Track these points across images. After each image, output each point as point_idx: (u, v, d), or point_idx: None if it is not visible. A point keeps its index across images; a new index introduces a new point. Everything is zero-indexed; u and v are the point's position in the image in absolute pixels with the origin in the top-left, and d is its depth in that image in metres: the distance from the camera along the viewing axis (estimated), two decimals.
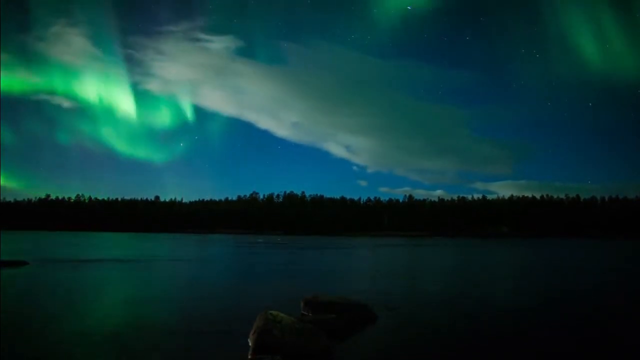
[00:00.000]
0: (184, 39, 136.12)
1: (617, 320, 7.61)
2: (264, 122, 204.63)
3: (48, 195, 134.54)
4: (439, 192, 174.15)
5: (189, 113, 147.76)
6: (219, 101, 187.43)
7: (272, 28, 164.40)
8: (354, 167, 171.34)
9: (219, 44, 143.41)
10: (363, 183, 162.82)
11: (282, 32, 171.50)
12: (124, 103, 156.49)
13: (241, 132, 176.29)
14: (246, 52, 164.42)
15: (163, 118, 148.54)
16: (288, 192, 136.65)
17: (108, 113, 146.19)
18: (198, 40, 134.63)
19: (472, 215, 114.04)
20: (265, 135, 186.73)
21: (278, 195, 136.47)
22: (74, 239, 49.10)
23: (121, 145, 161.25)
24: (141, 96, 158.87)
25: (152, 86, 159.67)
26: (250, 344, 5.27)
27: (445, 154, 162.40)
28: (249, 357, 4.96)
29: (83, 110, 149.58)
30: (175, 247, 35.87)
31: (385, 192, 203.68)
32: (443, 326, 6.91)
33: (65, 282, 12.18)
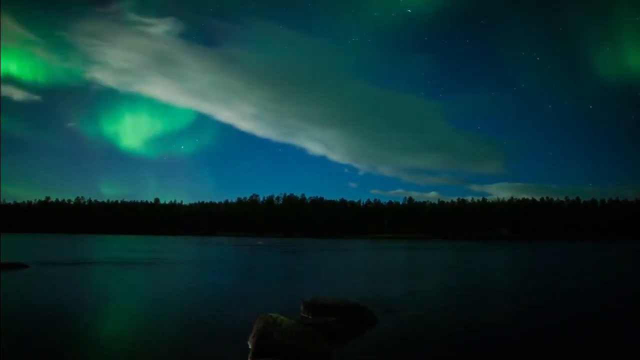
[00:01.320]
0: (115, 21, 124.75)
1: (617, 323, 7.60)
2: (223, 114, 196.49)
3: (48, 198, 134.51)
4: (433, 194, 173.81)
5: (143, 106, 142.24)
6: (168, 91, 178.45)
7: (213, 7, 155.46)
8: (345, 170, 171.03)
9: (159, 27, 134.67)
10: (353, 185, 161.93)
11: (232, 14, 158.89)
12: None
13: (203, 126, 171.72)
14: (191, 36, 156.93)
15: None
16: (288, 194, 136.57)
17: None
18: (134, 23, 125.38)
19: (472, 218, 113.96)
20: (229, 129, 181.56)
21: (278, 198, 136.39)
22: (73, 242, 49.06)
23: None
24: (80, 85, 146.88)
25: (96, 75, 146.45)
26: (250, 347, 5.27)
27: (429, 150, 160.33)
28: None
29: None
30: (175, 249, 35.83)
31: (377, 195, 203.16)
32: (443, 329, 6.90)
33: (65, 284, 12.16)
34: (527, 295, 11.12)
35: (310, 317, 7.00)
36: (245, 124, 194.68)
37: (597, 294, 11.47)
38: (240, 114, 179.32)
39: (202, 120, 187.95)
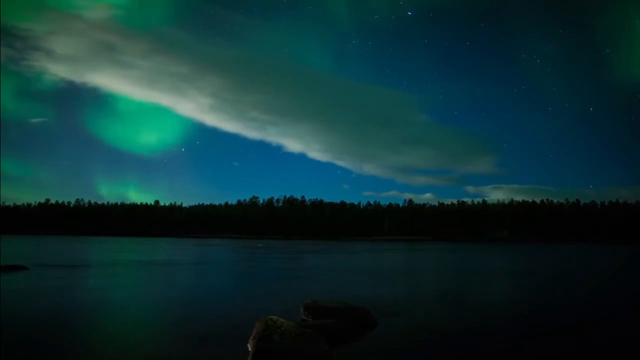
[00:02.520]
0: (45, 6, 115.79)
1: (618, 326, 7.58)
2: (182, 106, 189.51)
3: (47, 200, 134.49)
4: (428, 195, 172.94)
5: (90, 98, 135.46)
6: (113, 81, 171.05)
7: None
8: (338, 172, 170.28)
9: (96, 12, 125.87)
10: (345, 187, 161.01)
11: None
12: None
13: (157, 118, 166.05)
14: (131, 20, 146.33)
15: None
16: (288, 196, 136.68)
17: None
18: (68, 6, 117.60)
19: (472, 220, 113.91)
20: (189, 124, 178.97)
21: (278, 200, 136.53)
22: (73, 244, 49.02)
23: None
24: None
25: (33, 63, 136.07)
26: (250, 349, 5.26)
27: (412, 145, 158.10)
28: None
29: None
30: (174, 251, 35.78)
31: (370, 197, 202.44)
32: (443, 331, 6.89)
33: (64, 286, 12.14)
34: (528, 297, 11.10)
35: (310, 319, 6.99)
36: (208, 117, 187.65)
37: (598, 297, 11.45)
38: (199, 106, 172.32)
39: (162, 113, 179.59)
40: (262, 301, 9.71)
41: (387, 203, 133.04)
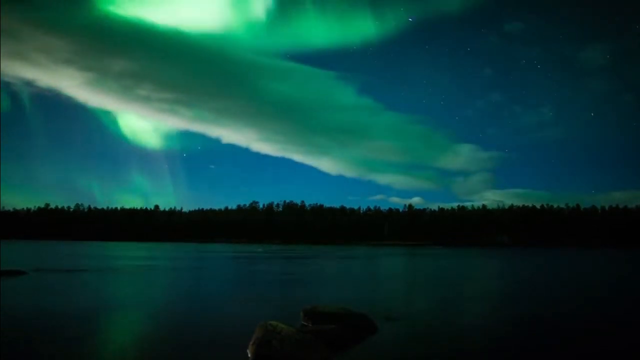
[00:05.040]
0: None
1: (618, 329, 7.55)
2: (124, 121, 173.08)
3: (47, 204, 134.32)
4: (416, 200, 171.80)
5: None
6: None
7: None
8: (319, 174, 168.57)
9: None
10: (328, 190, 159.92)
11: None
12: None
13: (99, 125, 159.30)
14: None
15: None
16: (288, 201, 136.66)
17: None
18: None
19: (472, 225, 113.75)
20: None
21: (278, 205, 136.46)
22: (72, 249, 48.89)
23: None
24: None
25: None
26: (249, 355, 5.23)
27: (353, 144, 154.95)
28: None
29: None
30: (174, 256, 35.68)
31: (353, 201, 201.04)
32: (444, 337, 6.85)
33: (62, 291, 12.09)
34: (528, 303, 11.04)
35: (310, 324, 6.95)
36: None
37: (598, 300, 11.40)
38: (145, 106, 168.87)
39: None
40: (261, 306, 9.67)
41: (387, 208, 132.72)
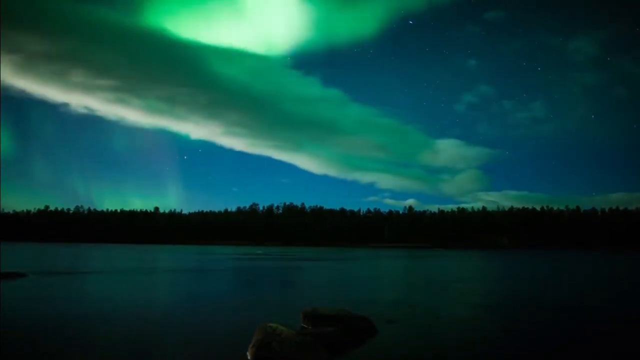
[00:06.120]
0: None
1: (618, 334, 7.54)
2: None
3: (47, 207, 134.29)
4: (410, 202, 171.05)
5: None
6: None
7: None
8: (303, 173, 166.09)
9: None
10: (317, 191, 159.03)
11: None
12: None
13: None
14: None
15: None
16: (288, 203, 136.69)
17: None
18: None
19: (472, 227, 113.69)
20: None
21: (278, 207, 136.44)
22: (72, 251, 48.85)
23: None
24: None
25: None
26: (249, 357, 5.23)
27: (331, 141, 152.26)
28: None
29: None
30: (174, 258, 35.64)
31: (346, 202, 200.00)
32: (444, 339, 6.85)
33: (62, 293, 12.08)
34: (529, 305, 11.02)
35: (310, 327, 6.95)
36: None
37: (598, 302, 11.38)
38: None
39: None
40: (261, 308, 9.66)
41: (387, 210, 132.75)
